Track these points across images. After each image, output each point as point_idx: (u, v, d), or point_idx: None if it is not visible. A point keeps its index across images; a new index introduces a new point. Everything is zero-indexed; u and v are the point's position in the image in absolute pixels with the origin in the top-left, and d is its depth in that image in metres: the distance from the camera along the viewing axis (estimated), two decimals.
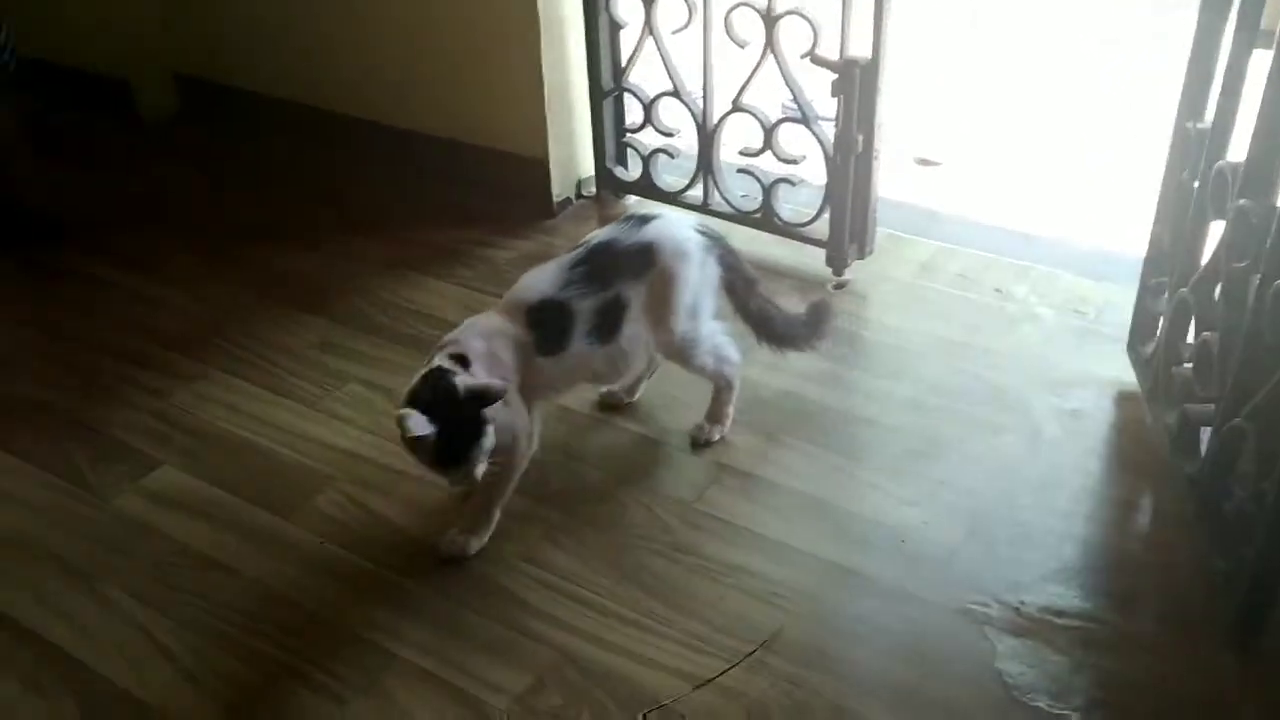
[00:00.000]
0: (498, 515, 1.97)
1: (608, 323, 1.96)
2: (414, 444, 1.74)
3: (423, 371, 1.82)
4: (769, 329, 2.16)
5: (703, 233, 2.08)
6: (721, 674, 1.72)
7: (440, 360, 1.83)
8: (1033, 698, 1.67)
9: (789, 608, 1.83)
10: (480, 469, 1.80)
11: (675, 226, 2.05)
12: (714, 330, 2.10)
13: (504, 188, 3.02)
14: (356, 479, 2.13)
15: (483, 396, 1.76)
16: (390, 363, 2.46)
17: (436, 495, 2.08)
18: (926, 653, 1.75)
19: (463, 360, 1.83)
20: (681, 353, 2.08)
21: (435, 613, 1.84)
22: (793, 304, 2.29)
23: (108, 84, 3.45)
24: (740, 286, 2.13)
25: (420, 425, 1.70)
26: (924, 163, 3.39)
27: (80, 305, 2.72)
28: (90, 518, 2.07)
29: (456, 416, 1.74)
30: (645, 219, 2.04)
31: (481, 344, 1.87)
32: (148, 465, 2.18)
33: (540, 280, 1.96)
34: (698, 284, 2.04)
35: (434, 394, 1.76)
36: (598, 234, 2.04)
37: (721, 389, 2.18)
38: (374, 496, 2.09)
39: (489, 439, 1.78)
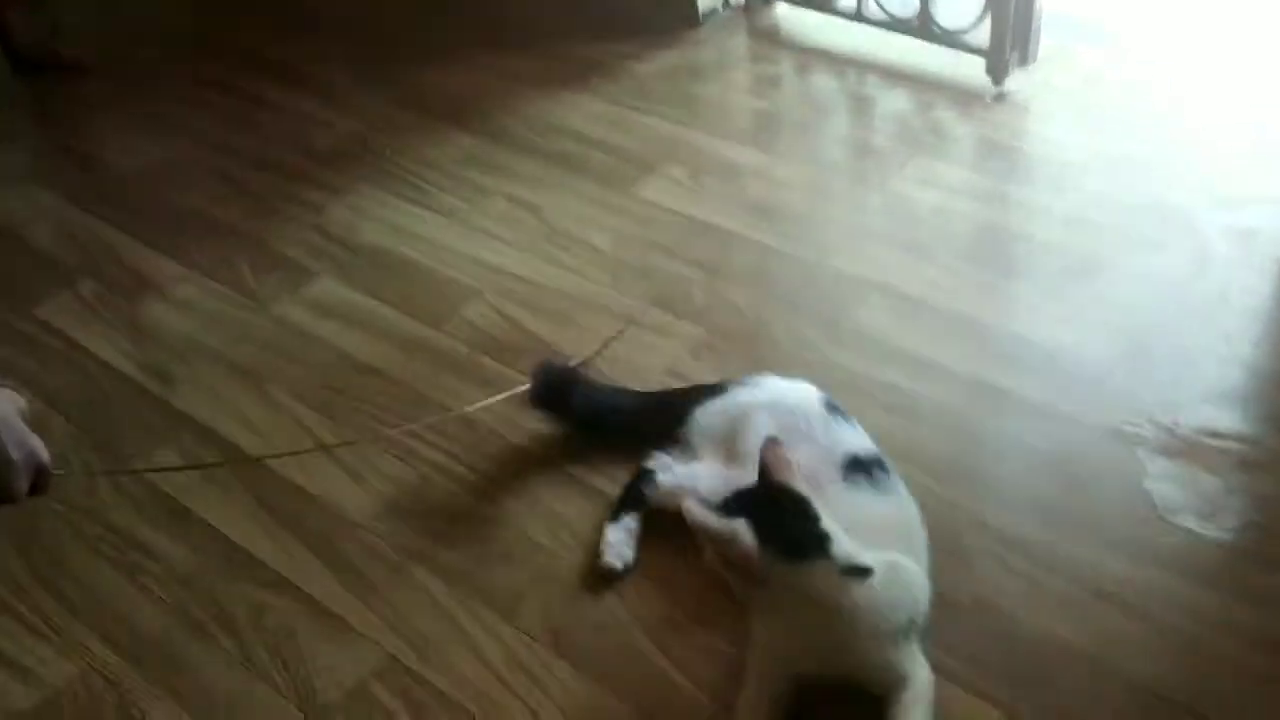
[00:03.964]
0: None
1: None
2: None
3: None
4: None
5: None
6: None
7: None
8: (1182, 518, 1.63)
9: (932, 422, 1.81)
10: None
11: None
12: None
13: None
14: (504, 292, 2.18)
15: None
16: (534, 178, 2.47)
17: (580, 309, 2.12)
18: (1073, 471, 1.72)
19: None
20: None
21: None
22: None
23: None
24: None
25: None
26: None
27: (237, 120, 2.79)
28: (255, 324, 2.17)
29: None
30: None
31: None
32: (306, 276, 2.27)
33: None
34: None
35: None
36: None
37: None
38: (521, 310, 2.13)
39: None
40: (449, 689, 1.53)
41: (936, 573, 1.53)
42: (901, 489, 1.57)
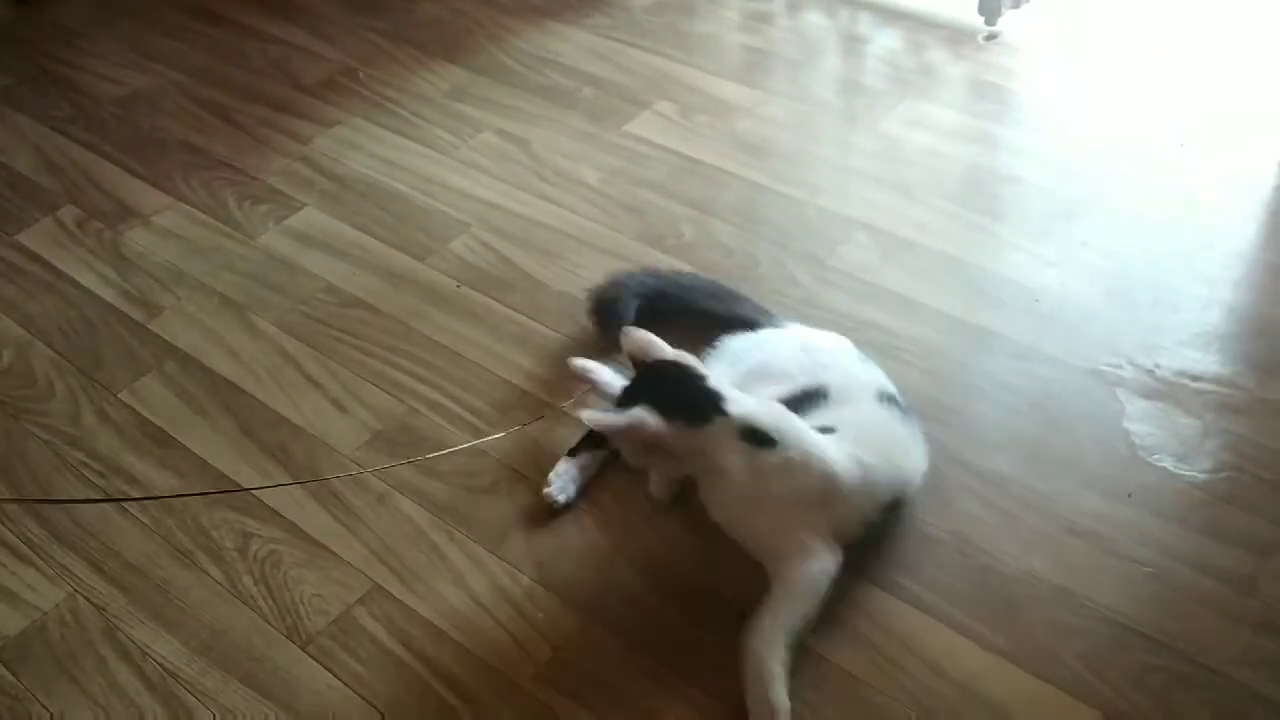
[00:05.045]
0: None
1: None
2: None
3: None
4: None
5: None
6: None
7: None
8: (1159, 458, 1.65)
9: (915, 362, 1.82)
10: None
11: None
12: None
13: None
14: (491, 227, 2.17)
15: None
16: (523, 112, 2.45)
17: (568, 244, 2.11)
18: (1053, 411, 1.74)
19: None
20: None
21: (564, 356, 1.89)
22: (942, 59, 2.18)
23: None
24: None
25: None
26: None
27: (223, 49, 2.76)
28: (240, 254, 2.16)
29: None
30: None
31: None
32: (292, 207, 2.26)
33: None
34: None
35: None
36: None
37: None
38: (509, 244, 2.13)
39: None
40: (434, 618, 1.54)
41: (913, 508, 1.57)
42: (919, 434, 1.59)
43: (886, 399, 1.58)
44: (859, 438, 1.48)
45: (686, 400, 1.40)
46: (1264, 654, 1.42)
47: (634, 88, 2.49)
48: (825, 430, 1.46)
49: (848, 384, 1.57)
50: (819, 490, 1.43)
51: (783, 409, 1.45)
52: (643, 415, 1.37)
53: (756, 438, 1.39)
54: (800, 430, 1.43)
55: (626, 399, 1.43)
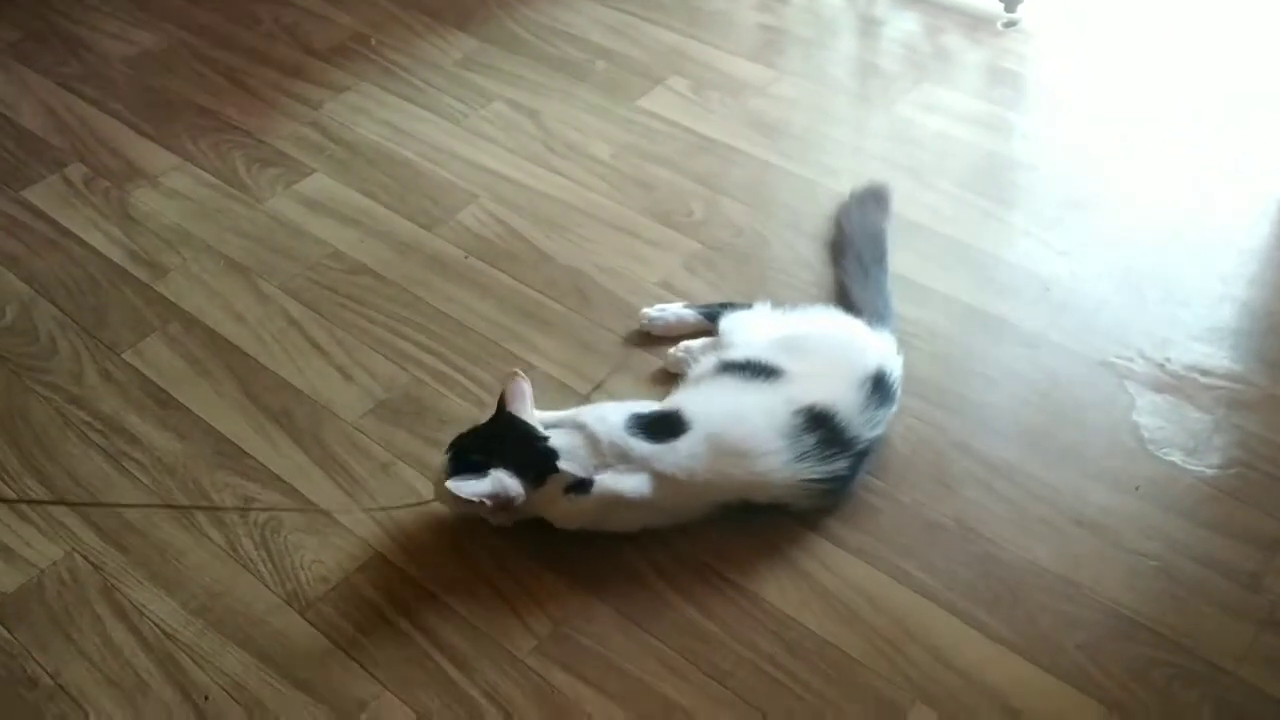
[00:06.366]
0: None
1: None
2: None
3: None
4: None
5: None
6: None
7: None
8: (1167, 452, 1.64)
9: (923, 348, 1.81)
10: None
11: None
12: None
13: None
14: (500, 198, 2.15)
15: None
16: (534, 83, 2.43)
17: (577, 218, 2.10)
18: (1061, 400, 1.73)
19: None
20: None
21: (570, 330, 1.89)
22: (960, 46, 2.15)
23: None
24: None
25: None
26: None
27: (233, 11, 2.73)
28: (248, 217, 2.14)
29: None
30: None
31: None
32: (301, 172, 2.24)
33: None
34: None
35: None
36: None
37: None
38: (516, 216, 2.11)
39: None
40: (435, 588, 1.54)
41: (918, 493, 1.57)
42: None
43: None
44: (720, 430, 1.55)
45: (528, 461, 1.51)
46: (1268, 651, 1.42)
47: (647, 62, 2.47)
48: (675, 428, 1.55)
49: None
50: (626, 507, 1.53)
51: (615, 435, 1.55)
52: (504, 481, 1.48)
53: (579, 487, 1.51)
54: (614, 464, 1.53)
55: (478, 454, 1.52)
